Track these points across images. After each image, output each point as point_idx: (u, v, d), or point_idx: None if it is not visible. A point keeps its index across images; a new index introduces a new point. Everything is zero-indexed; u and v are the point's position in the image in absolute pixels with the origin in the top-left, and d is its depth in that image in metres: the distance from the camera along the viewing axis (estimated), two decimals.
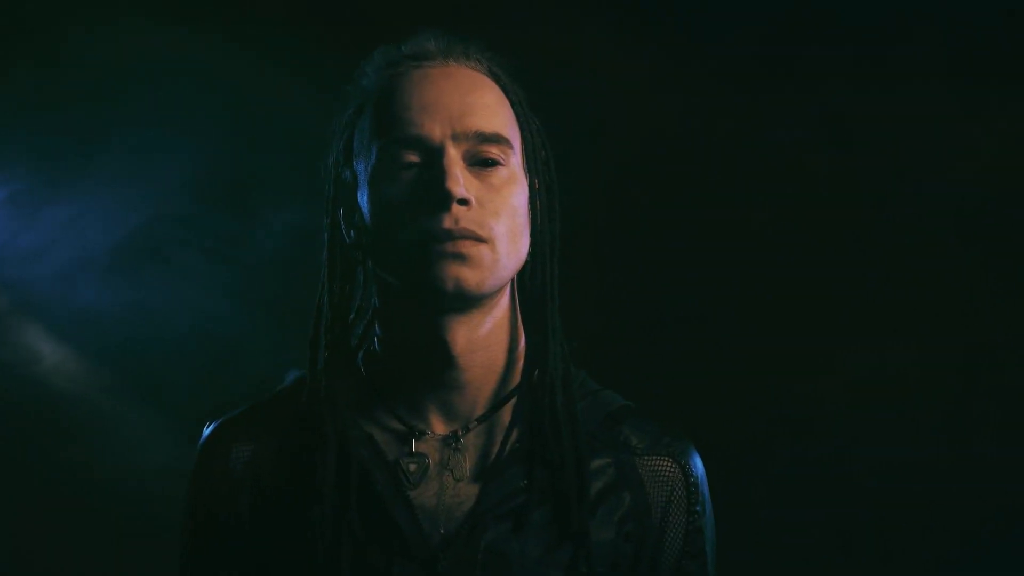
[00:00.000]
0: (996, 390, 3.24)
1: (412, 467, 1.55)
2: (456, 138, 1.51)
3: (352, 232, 1.60)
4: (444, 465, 1.55)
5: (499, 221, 1.51)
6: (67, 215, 3.18)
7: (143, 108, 3.16)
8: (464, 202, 1.49)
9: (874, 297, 3.30)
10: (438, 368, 1.55)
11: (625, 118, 3.30)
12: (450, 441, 1.56)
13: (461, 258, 1.48)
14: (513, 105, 1.60)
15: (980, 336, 3.22)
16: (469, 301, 1.52)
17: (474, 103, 1.54)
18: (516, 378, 1.59)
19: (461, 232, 1.48)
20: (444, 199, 1.48)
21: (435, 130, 1.51)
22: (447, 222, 1.47)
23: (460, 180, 1.49)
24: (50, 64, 3.11)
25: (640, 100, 3.31)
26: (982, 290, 3.22)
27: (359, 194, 1.57)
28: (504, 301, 1.58)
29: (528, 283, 1.61)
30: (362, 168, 1.56)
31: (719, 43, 3.27)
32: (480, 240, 1.49)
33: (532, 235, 1.59)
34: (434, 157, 1.50)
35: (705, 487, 1.64)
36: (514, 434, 1.56)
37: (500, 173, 1.53)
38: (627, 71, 3.28)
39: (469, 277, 1.48)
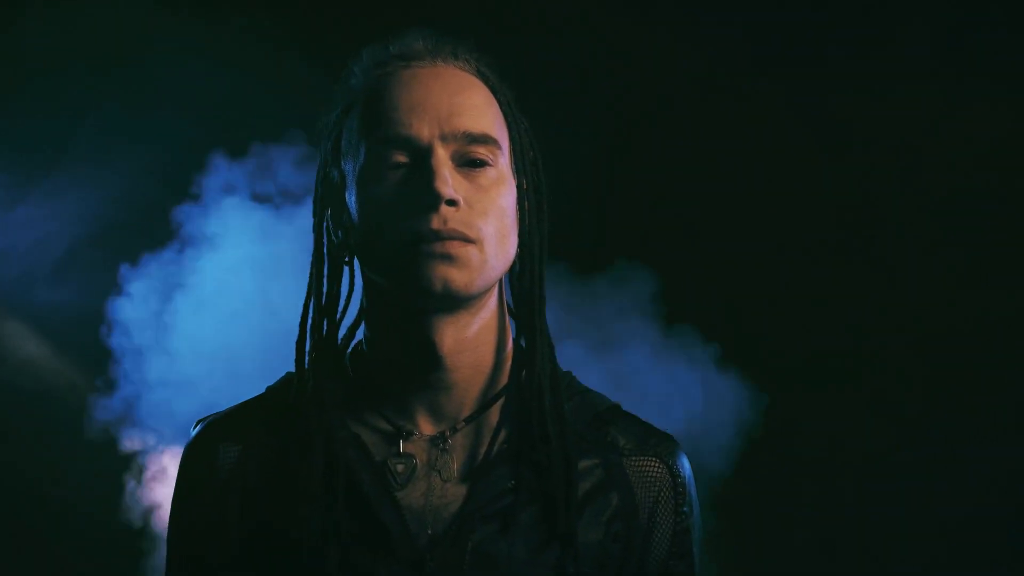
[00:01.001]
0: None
1: (400, 468, 1.54)
2: (444, 138, 1.51)
3: (340, 232, 1.60)
4: (432, 466, 1.55)
5: (487, 222, 1.51)
6: (33, 216, 3.19)
7: (109, 108, 3.17)
8: (452, 203, 1.48)
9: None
10: (426, 369, 1.55)
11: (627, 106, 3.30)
12: (438, 442, 1.56)
13: (449, 259, 1.48)
14: (501, 105, 1.59)
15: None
16: (457, 302, 1.51)
17: (462, 103, 1.53)
18: (504, 379, 1.59)
19: (449, 233, 1.48)
20: (432, 200, 1.47)
21: (423, 130, 1.51)
22: (435, 223, 1.47)
23: (448, 181, 1.48)
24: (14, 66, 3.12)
25: (644, 91, 3.30)
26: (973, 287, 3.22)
27: (347, 194, 1.56)
28: (492, 302, 1.58)
29: (516, 284, 1.61)
30: (350, 168, 1.56)
31: (715, 35, 3.28)
32: (468, 241, 1.49)
33: (520, 236, 1.58)
34: (422, 157, 1.50)
35: (692, 488, 1.64)
36: (502, 435, 1.56)
37: (488, 174, 1.53)
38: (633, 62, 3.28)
39: (457, 278, 1.48)
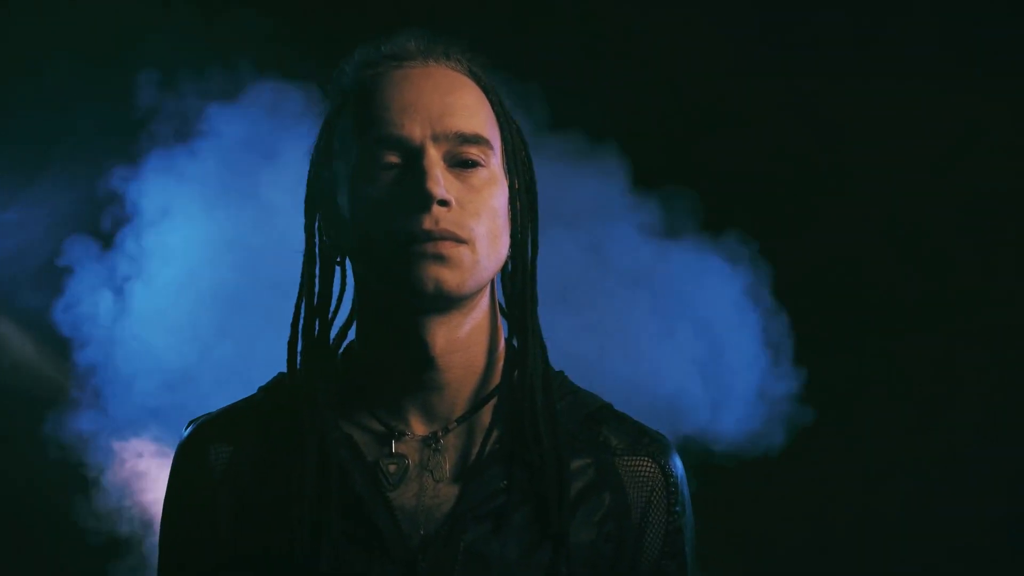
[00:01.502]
0: None
1: (392, 468, 1.54)
2: (436, 139, 1.51)
3: (332, 232, 1.60)
4: (424, 466, 1.55)
5: (479, 222, 1.51)
6: (23, 218, 3.19)
7: (97, 106, 3.16)
8: (444, 203, 1.48)
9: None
10: (418, 369, 1.55)
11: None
12: (430, 442, 1.56)
13: (441, 259, 1.48)
14: (493, 105, 1.59)
15: None
16: (449, 302, 1.51)
17: (454, 103, 1.53)
18: (496, 379, 1.59)
19: (441, 233, 1.47)
20: (424, 200, 1.47)
21: (415, 131, 1.51)
22: (427, 223, 1.47)
23: (440, 181, 1.48)
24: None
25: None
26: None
27: (339, 194, 1.56)
28: (484, 302, 1.57)
29: (508, 284, 1.61)
30: (342, 168, 1.55)
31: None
32: (460, 241, 1.49)
33: (512, 236, 1.58)
34: (414, 158, 1.50)
35: (685, 487, 1.64)
36: (494, 435, 1.56)
37: (480, 174, 1.53)
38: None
39: (449, 278, 1.48)
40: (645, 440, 1.63)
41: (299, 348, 1.59)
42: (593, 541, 1.55)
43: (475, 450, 1.56)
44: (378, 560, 1.50)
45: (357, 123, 1.54)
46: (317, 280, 1.61)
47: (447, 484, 1.54)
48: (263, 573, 1.52)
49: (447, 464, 1.55)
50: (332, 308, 1.62)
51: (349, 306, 1.64)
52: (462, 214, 1.49)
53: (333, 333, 1.63)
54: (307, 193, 1.62)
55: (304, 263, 1.61)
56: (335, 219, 1.58)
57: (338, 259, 1.61)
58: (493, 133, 1.57)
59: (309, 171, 1.62)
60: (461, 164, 1.52)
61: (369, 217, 1.51)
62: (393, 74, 1.55)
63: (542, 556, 1.52)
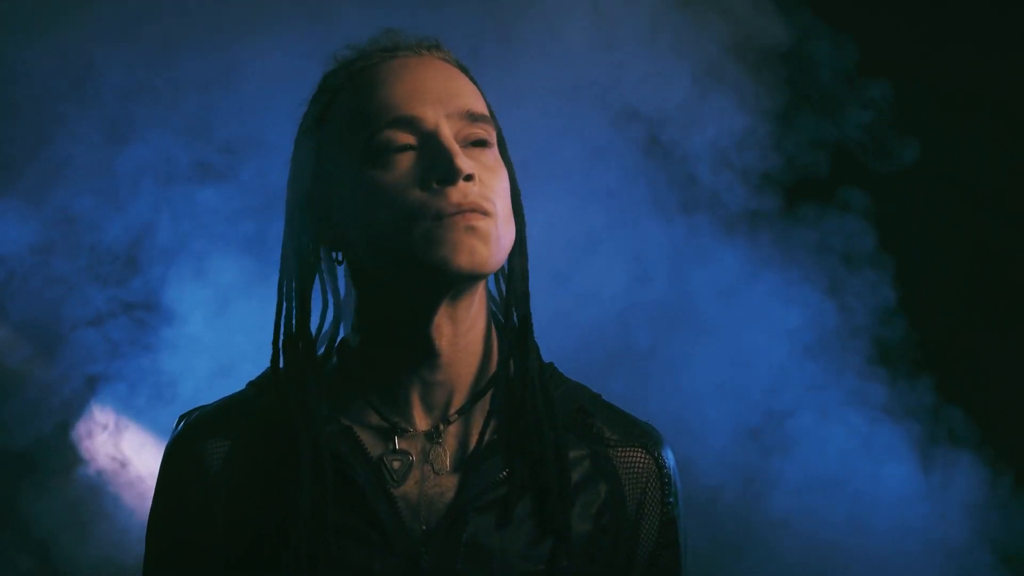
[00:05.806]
0: None
1: (396, 464, 1.53)
2: (449, 118, 1.51)
3: (329, 232, 1.56)
4: (424, 458, 1.54)
5: (498, 197, 1.51)
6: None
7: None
8: (470, 178, 1.47)
9: None
10: (421, 364, 1.54)
11: None
12: (432, 435, 1.55)
13: (472, 230, 1.46)
14: (483, 97, 1.60)
15: None
16: (476, 279, 1.50)
17: (459, 87, 1.54)
18: (491, 370, 1.58)
19: (471, 205, 1.46)
20: (452, 175, 1.46)
21: (428, 111, 1.50)
22: (455, 196, 1.46)
23: (463, 156, 1.48)
24: None
25: None
26: None
27: (340, 189, 1.53)
28: (482, 294, 1.57)
29: (505, 275, 1.60)
30: (343, 161, 1.53)
31: None
32: (486, 214, 1.47)
33: None
34: (431, 137, 1.49)
35: (678, 478, 1.65)
36: (492, 425, 1.55)
37: (491, 153, 1.54)
38: None
39: (482, 249, 1.46)
40: (637, 431, 1.64)
41: (280, 344, 1.57)
42: (590, 533, 1.55)
43: (473, 441, 1.55)
44: (380, 553, 1.48)
45: (358, 113, 1.52)
46: (297, 278, 1.58)
47: (447, 475, 1.53)
48: (262, 569, 1.49)
49: (447, 455, 1.54)
50: (321, 306, 1.60)
51: (332, 305, 1.63)
52: (484, 189, 1.49)
53: (313, 328, 1.60)
54: (289, 193, 1.60)
55: (282, 262, 1.59)
56: (332, 216, 1.55)
57: (336, 257, 1.59)
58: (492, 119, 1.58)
59: (291, 169, 1.60)
60: (472, 144, 1.52)
61: (388, 201, 1.48)
62: (391, 63, 1.55)
63: (543, 548, 1.52)
